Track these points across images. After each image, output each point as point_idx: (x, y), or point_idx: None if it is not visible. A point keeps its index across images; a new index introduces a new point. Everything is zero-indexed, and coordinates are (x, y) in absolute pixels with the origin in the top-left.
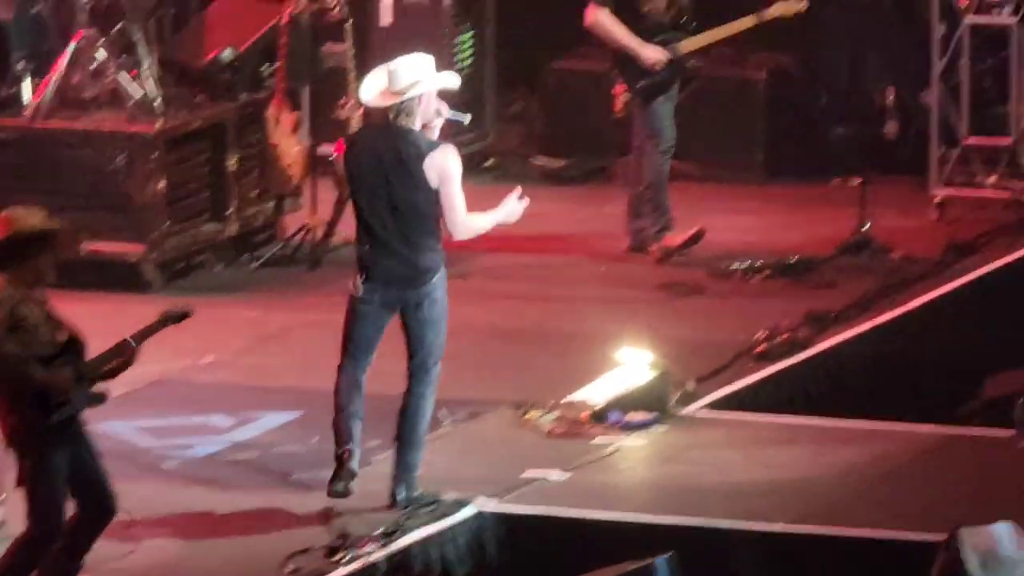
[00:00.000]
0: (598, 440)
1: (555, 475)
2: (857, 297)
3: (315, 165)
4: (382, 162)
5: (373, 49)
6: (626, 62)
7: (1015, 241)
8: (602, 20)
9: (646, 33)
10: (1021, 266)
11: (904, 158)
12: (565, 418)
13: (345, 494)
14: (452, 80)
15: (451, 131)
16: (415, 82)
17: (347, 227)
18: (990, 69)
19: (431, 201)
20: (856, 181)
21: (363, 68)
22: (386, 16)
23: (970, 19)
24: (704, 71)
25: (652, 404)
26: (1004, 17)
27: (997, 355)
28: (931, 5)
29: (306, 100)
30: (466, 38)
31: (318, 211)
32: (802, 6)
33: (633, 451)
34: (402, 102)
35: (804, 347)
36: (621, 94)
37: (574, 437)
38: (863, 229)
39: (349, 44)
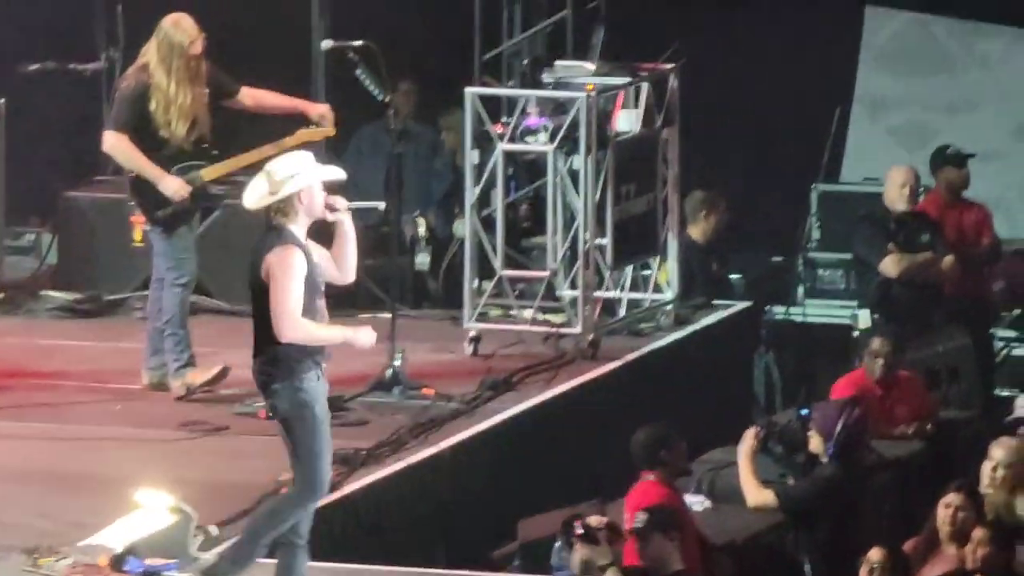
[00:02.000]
0: None
1: None
2: (388, 436)
3: None
4: (250, 266)
5: None
6: (145, 190)
7: (553, 377)
8: (119, 146)
9: (166, 159)
10: (559, 403)
11: (437, 291)
12: (80, 564)
13: None
14: (335, 172)
15: None
16: (289, 177)
17: None
18: (526, 198)
19: (266, 303)
20: (386, 315)
21: None
22: None
23: (505, 146)
24: (227, 199)
25: (172, 549)
26: (540, 144)
27: (533, 496)
28: (464, 131)
29: None
30: None
31: None
32: (330, 131)
33: None
34: (279, 201)
35: (333, 488)
36: (140, 224)
37: None
38: (394, 365)
39: None
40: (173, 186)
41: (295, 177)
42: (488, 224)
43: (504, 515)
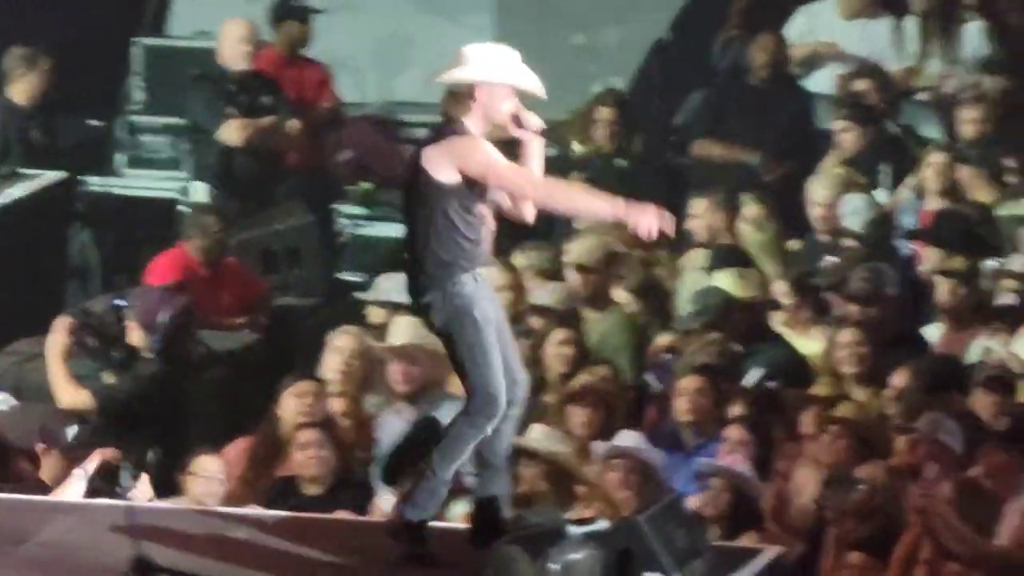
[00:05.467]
0: None
1: None
2: None
3: None
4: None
5: None
6: None
7: None
8: None
9: None
10: None
11: None
12: None
13: None
14: (533, 83)
15: None
16: (469, 64)
17: None
18: None
19: (423, 203)
20: None
21: None
22: None
23: None
24: None
25: None
26: None
27: None
28: None
29: None
30: None
31: None
32: None
33: None
34: (454, 87)
35: None
36: None
37: None
38: None
39: None
40: None
41: (477, 65)
42: None
43: None
